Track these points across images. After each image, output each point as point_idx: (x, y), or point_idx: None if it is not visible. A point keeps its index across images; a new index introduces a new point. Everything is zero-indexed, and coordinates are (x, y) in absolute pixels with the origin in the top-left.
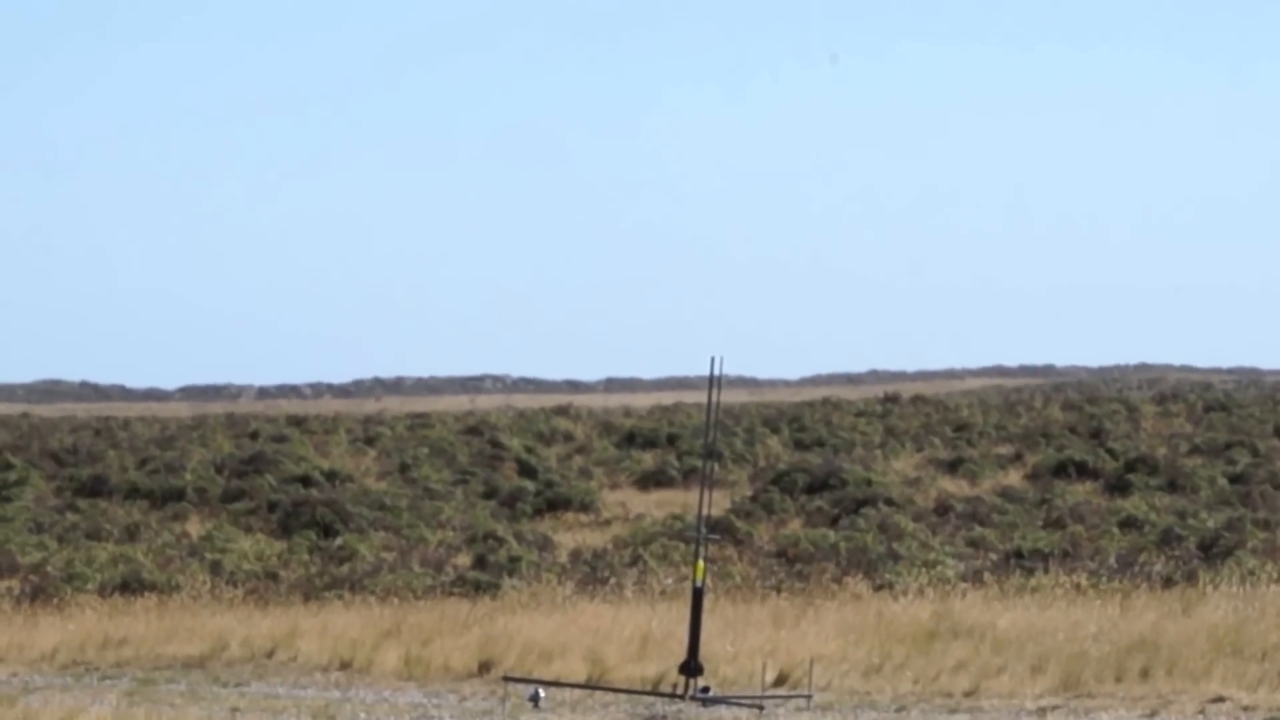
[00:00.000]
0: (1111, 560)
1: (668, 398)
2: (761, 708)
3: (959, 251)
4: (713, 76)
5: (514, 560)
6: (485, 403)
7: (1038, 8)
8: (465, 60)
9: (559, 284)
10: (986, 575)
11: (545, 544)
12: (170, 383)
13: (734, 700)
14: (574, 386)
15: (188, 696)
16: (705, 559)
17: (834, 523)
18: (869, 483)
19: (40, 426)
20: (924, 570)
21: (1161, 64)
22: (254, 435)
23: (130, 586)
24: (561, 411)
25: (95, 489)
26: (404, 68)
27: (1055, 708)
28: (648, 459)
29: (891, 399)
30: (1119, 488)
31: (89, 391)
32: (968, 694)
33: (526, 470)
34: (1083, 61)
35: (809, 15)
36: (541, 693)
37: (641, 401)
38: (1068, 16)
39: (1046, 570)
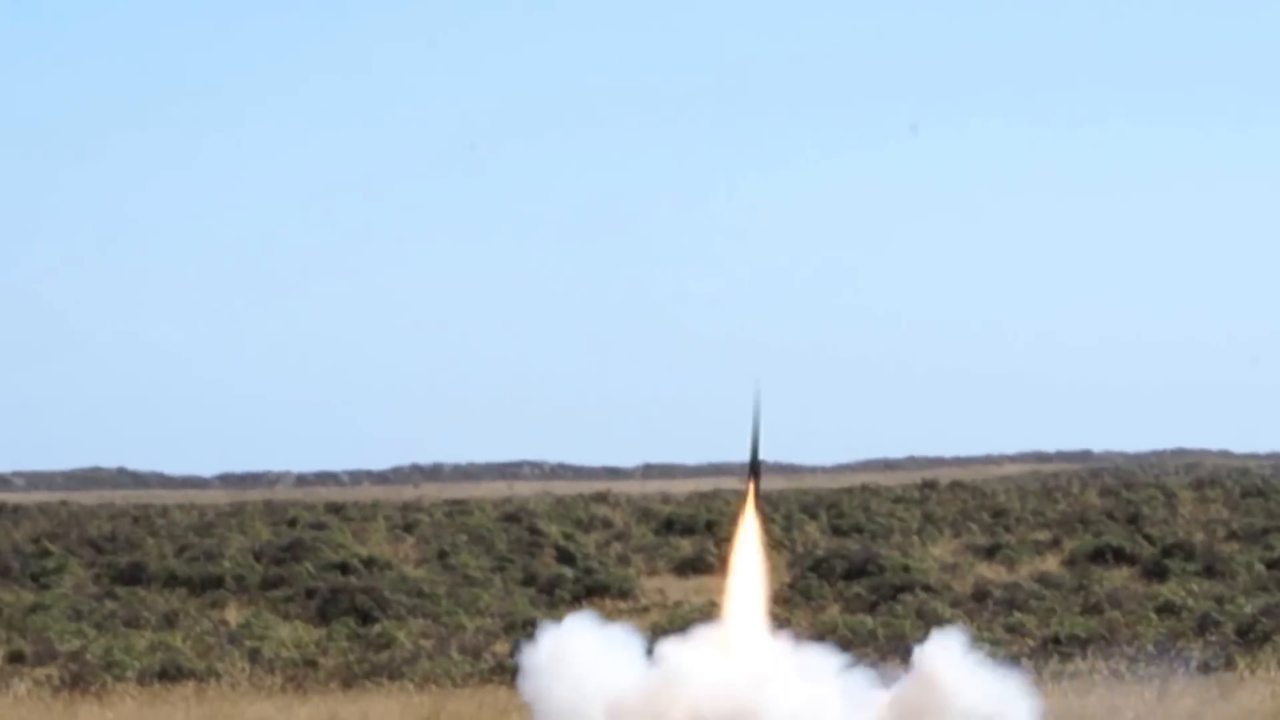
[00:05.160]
0: (1149, 646)
1: (706, 484)
2: None
3: (997, 337)
4: (758, 162)
5: None
6: (523, 489)
7: (1093, 88)
8: (513, 144)
9: (597, 370)
10: (1024, 661)
11: None
12: (208, 470)
13: None
14: (612, 473)
15: None
16: None
17: (872, 609)
18: (907, 569)
19: (79, 514)
20: None
21: (1200, 147)
22: (292, 522)
23: (169, 674)
24: (600, 498)
25: (133, 576)
26: (443, 150)
27: None
28: (686, 545)
29: (929, 485)
30: (1156, 573)
31: (127, 479)
32: None
33: (565, 557)
34: (1120, 148)
35: (860, 103)
36: None
37: (680, 488)
38: (1114, 99)
39: (1084, 656)
